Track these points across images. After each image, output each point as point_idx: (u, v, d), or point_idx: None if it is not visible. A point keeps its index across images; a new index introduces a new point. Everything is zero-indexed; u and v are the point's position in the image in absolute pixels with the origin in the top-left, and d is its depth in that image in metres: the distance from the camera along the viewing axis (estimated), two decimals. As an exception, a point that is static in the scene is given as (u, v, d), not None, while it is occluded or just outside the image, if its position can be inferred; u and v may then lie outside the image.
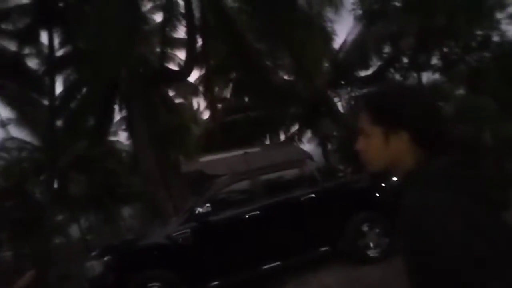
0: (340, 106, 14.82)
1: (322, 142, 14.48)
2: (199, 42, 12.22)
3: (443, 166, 0.84)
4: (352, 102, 13.46)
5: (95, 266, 4.63)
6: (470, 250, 0.71)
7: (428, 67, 11.92)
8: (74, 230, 21.86)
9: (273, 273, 5.21)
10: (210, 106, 15.62)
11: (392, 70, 12.54)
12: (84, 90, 12.81)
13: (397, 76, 12.59)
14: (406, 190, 0.86)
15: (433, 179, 0.83)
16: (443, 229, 0.73)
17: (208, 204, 5.01)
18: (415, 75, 12.33)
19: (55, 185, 14.86)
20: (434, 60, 12.04)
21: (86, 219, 23.02)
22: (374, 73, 12.63)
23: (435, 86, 12.32)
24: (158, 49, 13.61)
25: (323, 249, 5.37)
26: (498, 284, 0.70)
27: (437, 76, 12.38)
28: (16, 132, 17.58)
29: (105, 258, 4.65)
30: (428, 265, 0.74)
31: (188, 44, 10.53)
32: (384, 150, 0.92)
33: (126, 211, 27.00)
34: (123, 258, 4.75)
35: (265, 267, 5.07)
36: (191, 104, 22.71)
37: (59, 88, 13.49)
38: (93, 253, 5.11)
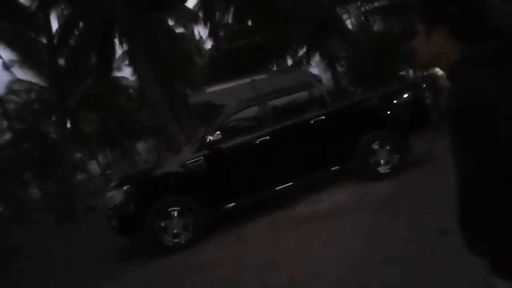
0: (349, 23, 14.04)
1: (331, 64, 14.01)
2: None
3: (488, 50, 0.91)
4: (362, 18, 12.70)
5: (115, 195, 4.86)
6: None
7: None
8: (94, 167, 22.80)
9: (286, 193, 5.43)
10: (212, 33, 14.98)
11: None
12: (81, 24, 12.31)
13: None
14: (456, 77, 0.95)
15: (477, 63, 0.91)
16: (499, 106, 0.83)
17: (218, 132, 5.06)
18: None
19: (68, 125, 15.11)
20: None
21: (104, 155, 23.82)
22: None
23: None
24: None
25: (334, 168, 5.50)
26: None
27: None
28: (21, 74, 17.42)
29: (124, 188, 4.87)
30: (489, 136, 0.84)
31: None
32: (426, 45, 1.03)
33: (141, 146, 27.76)
34: (141, 187, 4.96)
35: (278, 187, 5.26)
36: (192, 34, 21.85)
37: (55, 24, 13.03)
38: (112, 184, 5.33)
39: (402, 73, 12.69)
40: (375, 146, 5.38)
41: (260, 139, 5.21)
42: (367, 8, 12.65)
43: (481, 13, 0.95)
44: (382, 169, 5.39)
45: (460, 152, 0.92)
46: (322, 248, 3.66)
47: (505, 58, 0.89)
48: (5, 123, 17.83)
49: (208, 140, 5.05)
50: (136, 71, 13.28)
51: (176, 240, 4.78)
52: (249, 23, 15.69)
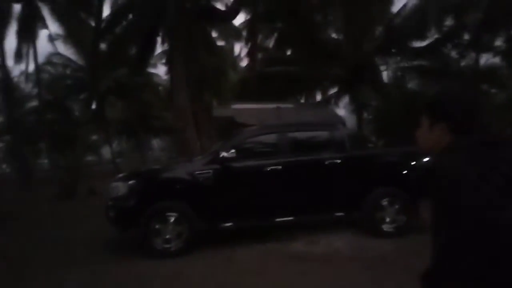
0: (385, 75, 14.15)
1: (358, 109, 14.06)
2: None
3: (465, 143, 1.20)
4: (399, 73, 12.79)
5: (120, 187, 4.91)
6: (479, 192, 1.05)
7: (489, 48, 10.97)
8: (106, 152, 23.15)
9: (285, 227, 5.37)
10: (251, 54, 15.31)
11: (449, 45, 11.63)
12: (130, 16, 12.80)
13: (454, 53, 11.71)
14: (440, 159, 1.23)
15: (457, 149, 1.19)
16: (464, 179, 1.08)
17: (233, 150, 5.09)
18: (473, 55, 11.41)
19: (93, 106, 15.46)
20: (498, 42, 11.04)
21: (118, 143, 24.18)
22: (428, 45, 11.79)
23: (491, 70, 11.40)
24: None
25: (338, 214, 5.42)
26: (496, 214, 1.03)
27: (497, 60, 11.41)
28: (62, 49, 18.08)
29: (130, 182, 4.92)
30: (454, 202, 1.07)
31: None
32: (428, 135, 1.32)
33: (156, 143, 28.09)
34: (146, 185, 5.00)
35: (278, 219, 5.21)
36: (232, 49, 22.36)
37: (106, 10, 13.58)
38: (120, 175, 5.39)
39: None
40: (384, 202, 5.30)
41: (272, 167, 5.21)
42: (406, 64, 12.75)
43: (470, 115, 1.25)
44: (386, 227, 5.28)
45: (438, 221, 1.15)
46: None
47: (481, 148, 1.17)
48: (35, 91, 18.40)
49: (221, 155, 5.09)
50: (170, 71, 13.61)
51: (167, 245, 4.76)
52: (288, 53, 15.98)
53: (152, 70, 19.84)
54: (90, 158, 22.66)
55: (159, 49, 15.20)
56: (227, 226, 5.06)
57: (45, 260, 5.02)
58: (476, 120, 1.24)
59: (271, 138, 5.53)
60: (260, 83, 13.52)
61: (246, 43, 17.33)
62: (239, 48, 22.40)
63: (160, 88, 21.26)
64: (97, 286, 3.99)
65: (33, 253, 5.42)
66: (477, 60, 11.41)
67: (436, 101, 1.33)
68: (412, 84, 13.03)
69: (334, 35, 15.00)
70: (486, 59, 11.56)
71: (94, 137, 21.48)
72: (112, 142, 21.86)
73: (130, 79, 16.31)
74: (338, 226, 5.60)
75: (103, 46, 14.28)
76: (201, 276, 4.12)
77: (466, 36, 11.36)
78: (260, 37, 16.71)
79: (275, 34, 15.55)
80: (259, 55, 16.77)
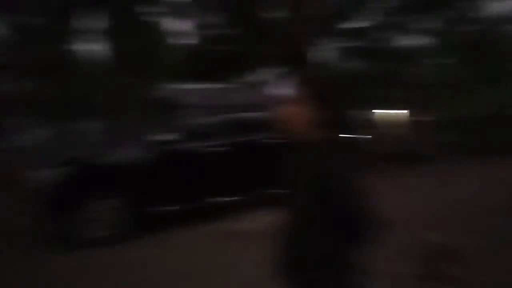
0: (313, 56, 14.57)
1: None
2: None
3: (337, 143, 1.36)
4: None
5: (50, 175, 4.60)
6: (346, 182, 1.28)
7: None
8: (33, 136, 21.29)
9: (225, 207, 5.47)
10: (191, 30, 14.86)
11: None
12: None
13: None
14: (318, 153, 1.32)
15: (331, 149, 1.33)
16: (338, 172, 1.28)
17: (170, 132, 5.13)
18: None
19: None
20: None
21: (46, 127, 22.25)
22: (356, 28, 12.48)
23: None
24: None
25: (273, 191, 5.66)
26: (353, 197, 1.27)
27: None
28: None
29: (62, 169, 4.62)
30: (327, 188, 1.26)
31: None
32: (309, 122, 1.33)
33: (89, 126, 26.37)
34: (80, 173, 4.73)
35: (217, 200, 5.35)
36: (171, 24, 21.31)
37: None
38: (50, 162, 5.05)
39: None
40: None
41: (209, 149, 5.33)
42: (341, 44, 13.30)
43: (342, 107, 1.43)
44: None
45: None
46: (249, 267, 3.74)
47: (342, 150, 1.38)
48: None
49: (157, 138, 5.07)
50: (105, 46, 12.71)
51: (103, 233, 4.64)
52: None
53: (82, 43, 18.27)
54: (15, 143, 20.72)
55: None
56: (167, 210, 5.03)
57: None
58: (340, 114, 1.41)
59: (208, 119, 5.63)
60: (200, 62, 13.23)
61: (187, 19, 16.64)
62: (178, 24, 21.40)
63: (93, 65, 19.77)
64: (37, 278, 3.84)
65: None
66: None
67: (326, 90, 1.37)
68: (345, 63, 13.70)
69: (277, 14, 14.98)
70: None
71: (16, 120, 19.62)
72: (39, 125, 20.13)
73: (47, 54, 14.72)
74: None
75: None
76: (139, 262, 4.14)
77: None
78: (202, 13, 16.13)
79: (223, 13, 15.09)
80: (200, 31, 16.21)
